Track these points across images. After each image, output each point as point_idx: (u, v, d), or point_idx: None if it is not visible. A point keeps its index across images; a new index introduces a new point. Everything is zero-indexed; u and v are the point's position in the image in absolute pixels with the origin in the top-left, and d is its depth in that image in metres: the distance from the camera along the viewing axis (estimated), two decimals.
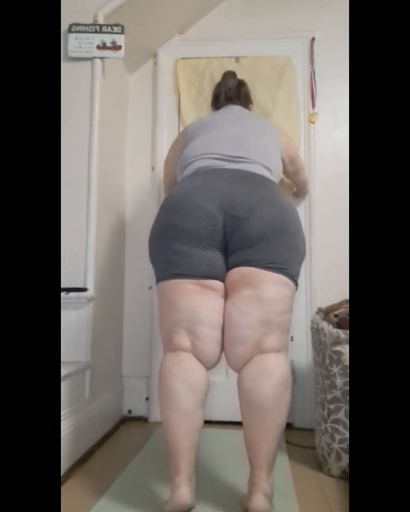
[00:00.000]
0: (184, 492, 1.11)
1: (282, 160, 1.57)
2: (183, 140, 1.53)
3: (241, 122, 1.48)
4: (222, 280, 1.27)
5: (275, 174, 1.44)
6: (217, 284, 1.26)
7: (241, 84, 1.66)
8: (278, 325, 1.23)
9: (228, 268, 1.26)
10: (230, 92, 1.62)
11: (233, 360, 1.24)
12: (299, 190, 2.01)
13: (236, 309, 1.23)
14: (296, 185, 1.94)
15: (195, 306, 1.23)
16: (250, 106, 1.72)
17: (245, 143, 1.39)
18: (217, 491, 1.29)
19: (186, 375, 1.19)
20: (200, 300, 1.23)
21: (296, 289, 1.31)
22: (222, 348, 1.27)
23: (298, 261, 1.29)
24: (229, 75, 1.68)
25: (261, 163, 1.37)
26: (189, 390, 1.18)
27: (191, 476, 1.16)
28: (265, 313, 1.21)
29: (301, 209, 2.12)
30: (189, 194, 1.26)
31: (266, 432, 1.14)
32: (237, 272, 1.24)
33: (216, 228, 1.23)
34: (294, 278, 1.27)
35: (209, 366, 1.26)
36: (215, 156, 1.37)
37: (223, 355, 1.29)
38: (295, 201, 2.10)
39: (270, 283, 1.22)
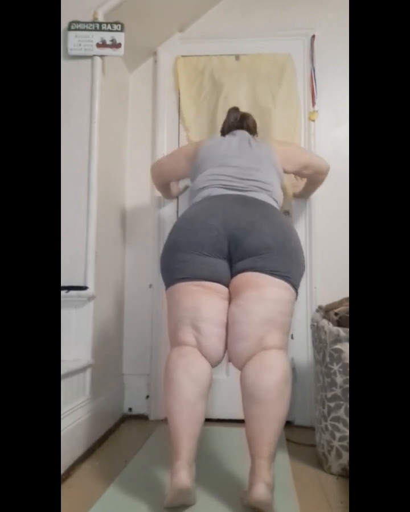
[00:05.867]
0: (184, 477, 1.12)
1: (290, 170, 1.65)
2: (193, 162, 1.59)
3: (245, 155, 1.54)
4: (226, 285, 1.33)
5: (278, 202, 1.52)
6: (220, 287, 1.32)
7: (243, 117, 1.71)
8: (280, 325, 1.28)
9: (232, 275, 1.33)
10: (234, 124, 1.68)
11: (236, 357, 1.27)
12: (312, 188, 2.00)
13: (239, 308, 1.28)
14: (313, 184, 1.93)
15: (199, 305, 1.29)
16: (255, 136, 1.74)
17: (249, 176, 1.48)
18: (217, 488, 1.30)
19: (189, 368, 1.24)
20: (203, 300, 1.29)
21: (296, 299, 1.37)
22: (226, 346, 1.30)
23: (299, 274, 1.36)
24: (233, 110, 1.74)
25: (263, 192, 1.46)
26: (192, 381, 1.22)
27: (191, 463, 1.17)
28: (267, 312, 1.26)
29: (301, 207, 2.12)
30: (195, 214, 1.37)
31: (268, 422, 1.17)
32: (241, 277, 1.31)
33: (218, 238, 1.31)
34: (295, 287, 1.34)
35: (213, 362, 1.29)
36: (220, 186, 1.46)
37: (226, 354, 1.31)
38: (297, 201, 2.10)
39: (274, 286, 1.28)
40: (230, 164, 1.51)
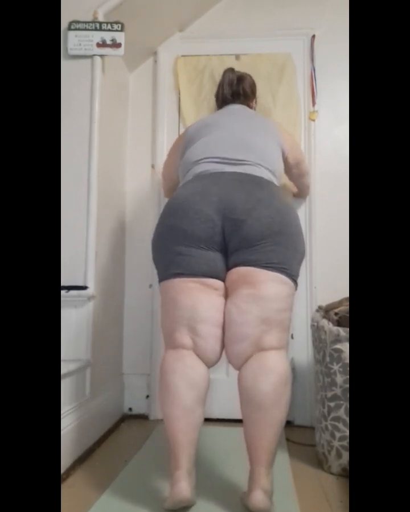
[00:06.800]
0: (184, 487, 1.11)
1: (287, 162, 1.58)
2: (183, 143, 1.53)
3: (241, 122, 1.47)
4: (223, 280, 1.29)
5: (277, 175, 1.43)
6: (218, 283, 1.28)
7: (240, 79, 1.65)
8: (278, 323, 1.24)
9: (228, 268, 1.28)
10: (229, 90, 1.62)
11: (234, 358, 1.25)
12: (301, 193, 2.01)
13: (235, 307, 1.24)
14: (298, 188, 1.94)
15: (196, 304, 1.24)
16: (253, 102, 1.70)
17: (245, 144, 1.39)
18: (217, 488, 1.30)
19: (187, 372, 1.21)
20: (201, 298, 1.25)
21: (296, 289, 1.32)
22: (223, 346, 1.28)
23: (298, 261, 1.30)
24: (228, 72, 1.68)
25: (261, 165, 1.37)
26: (190, 386, 1.19)
27: (191, 471, 1.17)
28: (263, 311, 1.22)
29: (302, 207, 2.12)
30: (189, 199, 1.28)
31: (266, 428, 1.15)
32: (236, 272, 1.26)
33: (214, 230, 1.25)
34: (293, 277, 1.28)
35: (210, 364, 1.27)
36: (215, 160, 1.37)
37: (224, 353, 1.29)
38: (296, 201, 2.10)
39: (269, 281, 1.23)
40: (225, 127, 1.43)
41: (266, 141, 1.44)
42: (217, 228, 1.25)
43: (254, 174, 1.34)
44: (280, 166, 1.47)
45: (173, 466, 1.16)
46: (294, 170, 1.68)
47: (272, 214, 1.25)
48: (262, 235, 1.23)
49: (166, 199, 2.13)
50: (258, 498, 1.09)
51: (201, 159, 1.39)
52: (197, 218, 1.25)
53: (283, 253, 1.24)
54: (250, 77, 1.69)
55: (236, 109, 1.58)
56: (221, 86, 1.65)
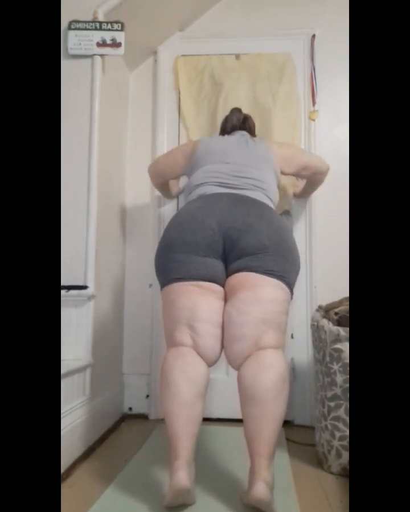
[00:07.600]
0: (183, 477, 1.12)
1: (292, 173, 1.68)
2: (193, 158, 1.59)
3: (243, 153, 1.55)
4: (222, 285, 1.33)
5: (273, 201, 1.52)
6: (216, 287, 1.32)
7: (245, 118, 1.74)
8: (276, 324, 1.28)
9: (227, 275, 1.33)
10: (237, 123, 1.72)
11: (233, 358, 1.27)
12: (311, 190, 2.01)
13: (235, 309, 1.27)
14: (315, 184, 1.93)
15: (195, 305, 1.28)
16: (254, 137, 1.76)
17: (245, 173, 1.48)
18: (217, 487, 1.30)
19: (186, 368, 1.23)
20: (199, 300, 1.29)
21: (292, 298, 1.37)
22: (222, 345, 1.30)
23: (295, 272, 1.37)
24: (235, 111, 1.77)
25: (259, 191, 1.46)
26: (189, 382, 1.22)
27: (190, 462, 1.18)
28: (263, 312, 1.26)
29: (301, 207, 2.12)
30: (191, 213, 1.37)
31: (267, 422, 1.17)
32: (237, 277, 1.30)
33: (213, 238, 1.31)
34: (290, 286, 1.34)
35: (210, 362, 1.29)
36: (216, 184, 1.46)
37: (223, 353, 1.31)
38: (297, 201, 2.10)
39: (268, 286, 1.28)
40: (227, 161, 1.52)
41: (263, 171, 1.53)
42: (216, 237, 1.31)
43: (252, 196, 1.42)
44: (275, 194, 1.55)
45: (173, 457, 1.17)
46: (304, 172, 1.73)
47: (272, 229, 1.32)
48: (263, 245, 1.29)
49: (166, 199, 2.15)
50: (260, 490, 1.09)
51: (203, 183, 1.48)
52: (198, 228, 1.31)
53: (283, 263, 1.30)
54: (251, 118, 1.79)
55: (240, 137, 1.63)
56: (229, 120, 1.73)
